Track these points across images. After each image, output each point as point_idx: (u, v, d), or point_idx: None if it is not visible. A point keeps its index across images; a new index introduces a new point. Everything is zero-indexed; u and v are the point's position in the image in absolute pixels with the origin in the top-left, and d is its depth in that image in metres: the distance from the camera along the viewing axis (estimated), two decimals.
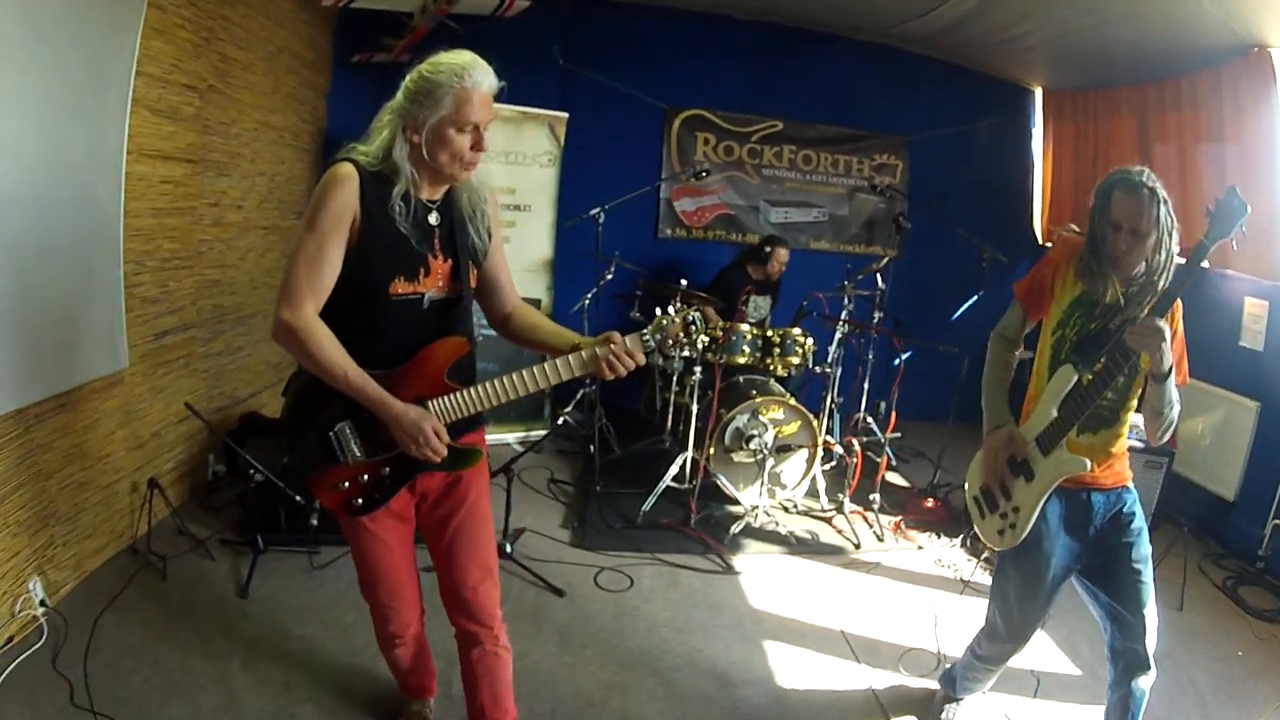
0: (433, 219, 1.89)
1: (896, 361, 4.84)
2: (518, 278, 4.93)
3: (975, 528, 2.49)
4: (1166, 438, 2.17)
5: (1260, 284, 4.34)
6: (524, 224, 5.06)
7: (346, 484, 1.93)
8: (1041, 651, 3.23)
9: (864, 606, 3.53)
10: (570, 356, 1.89)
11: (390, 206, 1.79)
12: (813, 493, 4.46)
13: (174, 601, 3.02)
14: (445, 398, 1.89)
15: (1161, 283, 2.08)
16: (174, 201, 3.52)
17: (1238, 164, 4.25)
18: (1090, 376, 2.14)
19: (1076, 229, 2.22)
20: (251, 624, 2.93)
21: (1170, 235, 2.06)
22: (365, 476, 1.93)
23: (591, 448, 4.51)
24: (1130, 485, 2.32)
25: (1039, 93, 6.42)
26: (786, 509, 4.44)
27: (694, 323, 1.94)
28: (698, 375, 4.20)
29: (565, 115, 5.07)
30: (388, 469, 1.93)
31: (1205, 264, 1.92)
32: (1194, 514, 4.49)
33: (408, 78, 1.80)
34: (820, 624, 3.37)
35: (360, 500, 1.95)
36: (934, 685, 2.90)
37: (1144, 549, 2.27)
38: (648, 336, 1.92)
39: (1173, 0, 3.93)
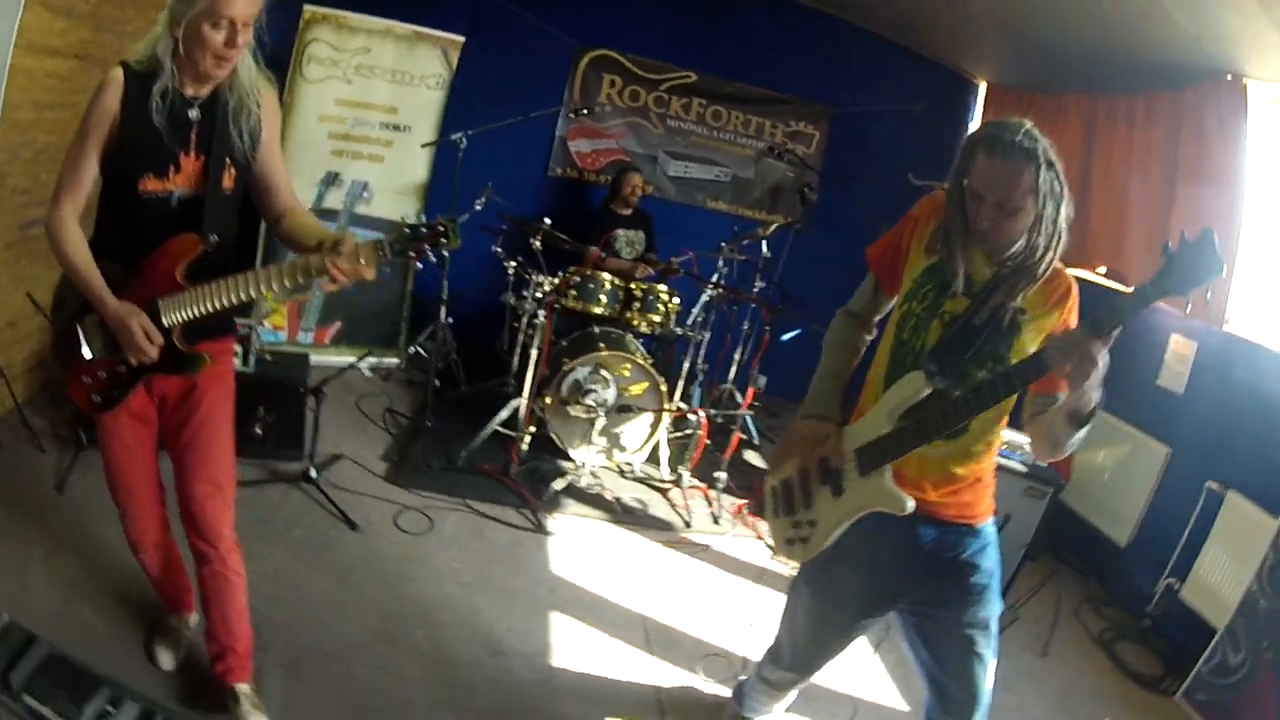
0: (192, 114, 2.00)
1: (785, 337, 4.94)
2: (388, 199, 5.21)
3: (766, 521, 2.23)
4: (1056, 459, 1.84)
5: (1190, 323, 4.01)
6: (401, 145, 5.15)
7: (89, 379, 2.08)
8: (867, 676, 3.11)
9: (676, 593, 3.49)
10: (293, 260, 1.98)
11: (149, 103, 1.93)
12: (655, 460, 4.52)
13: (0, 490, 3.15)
14: (173, 296, 2.00)
15: (1043, 267, 1.74)
16: (58, 96, 3.59)
17: (1191, 196, 4.01)
18: (957, 394, 1.76)
19: None
20: (60, 518, 3.07)
21: (1059, 208, 1.71)
22: (103, 373, 2.08)
23: (435, 381, 4.59)
24: (983, 527, 1.91)
25: (983, 87, 6.46)
26: (623, 473, 4.51)
27: (445, 233, 1.98)
28: (540, 319, 4.29)
29: (461, 39, 5.13)
30: (123, 366, 2.06)
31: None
32: (1079, 552, 4.45)
33: None
34: (621, 603, 3.34)
35: (99, 397, 2.10)
36: (729, 694, 2.75)
37: (984, 612, 1.89)
38: (384, 244, 1.97)
39: (1143, 8, 3.76)
